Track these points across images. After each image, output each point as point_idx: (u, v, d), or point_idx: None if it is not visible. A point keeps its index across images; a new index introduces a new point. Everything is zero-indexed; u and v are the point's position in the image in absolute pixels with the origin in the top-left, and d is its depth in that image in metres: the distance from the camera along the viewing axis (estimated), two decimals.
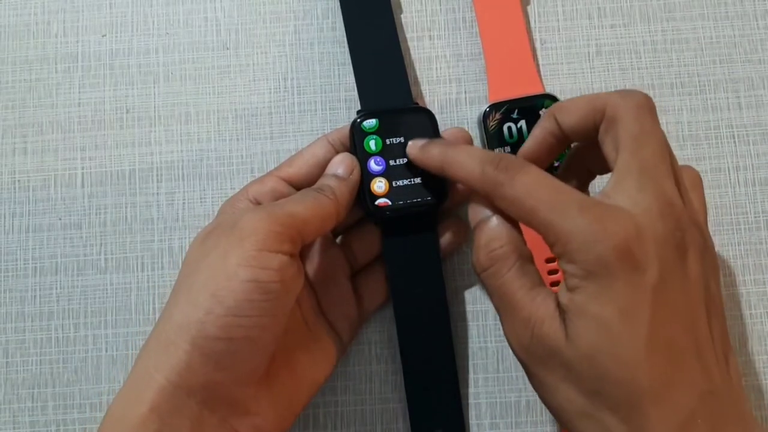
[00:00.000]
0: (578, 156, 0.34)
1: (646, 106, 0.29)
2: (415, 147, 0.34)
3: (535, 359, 0.29)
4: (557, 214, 0.27)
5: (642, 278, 0.26)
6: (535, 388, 0.30)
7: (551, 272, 0.37)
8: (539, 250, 0.37)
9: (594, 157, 0.31)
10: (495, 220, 0.31)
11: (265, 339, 0.30)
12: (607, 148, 0.29)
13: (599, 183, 0.37)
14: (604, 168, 0.31)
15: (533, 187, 0.28)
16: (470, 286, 0.39)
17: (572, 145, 0.33)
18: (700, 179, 0.32)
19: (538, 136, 0.32)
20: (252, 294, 0.29)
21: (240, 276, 0.29)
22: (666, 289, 0.27)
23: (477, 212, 0.31)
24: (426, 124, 0.36)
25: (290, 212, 0.31)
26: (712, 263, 0.29)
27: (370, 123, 0.35)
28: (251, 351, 0.30)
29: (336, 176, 0.34)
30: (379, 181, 0.35)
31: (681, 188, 0.29)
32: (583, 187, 0.34)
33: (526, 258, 0.30)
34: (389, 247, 0.36)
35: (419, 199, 0.35)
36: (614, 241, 0.26)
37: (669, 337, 0.27)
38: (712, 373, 0.27)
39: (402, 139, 0.35)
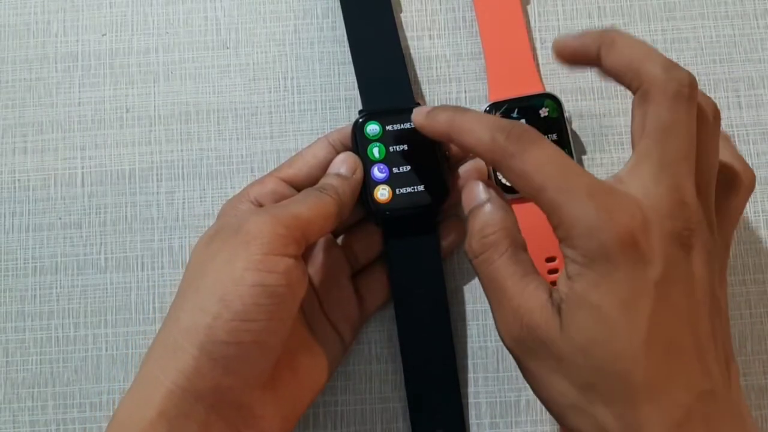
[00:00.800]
0: None
1: (685, 96, 0.27)
2: (420, 114, 0.32)
3: (526, 350, 0.28)
4: (565, 196, 0.26)
5: (645, 271, 0.26)
6: (526, 380, 0.29)
7: (551, 272, 0.37)
8: (541, 249, 0.37)
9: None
10: (489, 206, 0.30)
11: (272, 342, 0.30)
12: (635, 123, 0.28)
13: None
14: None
15: (544, 163, 0.27)
16: (470, 286, 0.39)
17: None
18: (749, 185, 0.31)
19: (578, 45, 0.30)
20: (259, 298, 0.29)
21: (247, 280, 0.29)
22: (669, 285, 0.26)
23: (471, 198, 0.31)
24: None
25: (294, 214, 0.31)
26: (719, 268, 0.28)
27: (374, 130, 0.35)
28: (259, 355, 0.30)
29: (338, 175, 0.34)
30: (383, 189, 0.35)
31: (708, 184, 0.28)
32: None
33: (519, 245, 0.29)
34: (390, 248, 0.36)
35: (420, 200, 0.35)
36: (619, 231, 0.25)
37: (669, 334, 0.26)
38: (712, 373, 0.26)
39: (405, 147, 0.35)
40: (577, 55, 0.30)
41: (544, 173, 0.27)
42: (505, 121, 0.29)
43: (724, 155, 0.32)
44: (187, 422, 0.28)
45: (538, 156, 0.27)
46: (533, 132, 0.28)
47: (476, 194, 0.31)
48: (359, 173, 0.35)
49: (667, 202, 0.26)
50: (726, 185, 0.31)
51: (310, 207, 0.32)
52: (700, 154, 0.28)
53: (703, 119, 0.29)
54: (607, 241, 0.26)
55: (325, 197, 0.32)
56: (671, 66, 0.28)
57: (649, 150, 0.27)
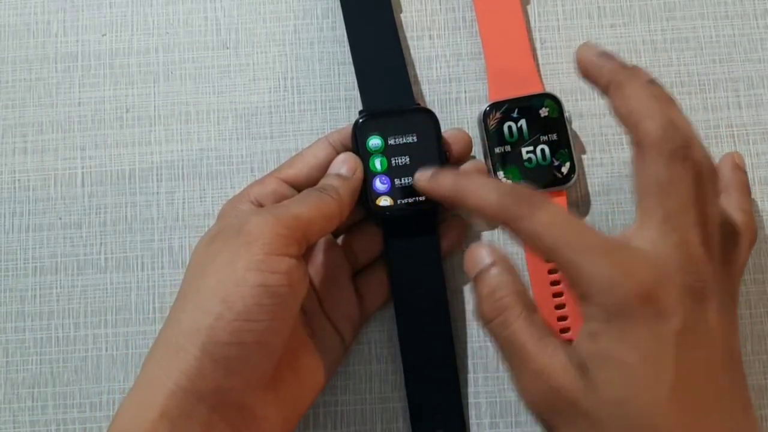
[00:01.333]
0: None
1: (681, 156, 0.28)
2: (423, 178, 0.34)
3: (552, 412, 0.28)
4: (580, 256, 0.27)
5: (666, 325, 0.26)
6: None
7: (554, 283, 0.37)
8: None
9: None
10: (496, 269, 0.30)
11: (274, 343, 0.30)
12: (635, 180, 0.29)
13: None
14: None
15: (555, 224, 0.28)
16: (471, 286, 0.39)
17: None
18: (750, 239, 0.32)
19: (593, 70, 0.30)
20: (261, 298, 0.29)
21: (249, 281, 0.29)
22: (689, 337, 0.26)
23: (475, 262, 0.30)
24: (429, 126, 0.36)
25: (295, 214, 0.31)
26: (731, 317, 0.29)
27: (376, 144, 0.35)
28: (261, 355, 0.30)
29: (339, 176, 0.34)
30: (384, 200, 0.35)
31: (710, 236, 0.28)
32: None
33: (531, 307, 0.30)
34: (390, 247, 0.36)
35: (421, 200, 0.35)
36: (637, 286, 0.26)
37: (691, 385, 0.26)
38: (733, 421, 0.27)
39: (407, 160, 0.35)
40: (589, 78, 0.31)
41: (555, 234, 0.28)
42: (508, 184, 0.30)
43: (728, 207, 0.33)
44: (189, 423, 0.28)
45: (547, 217, 0.28)
46: (538, 194, 0.29)
47: (480, 258, 0.30)
48: (359, 173, 0.35)
49: (677, 256, 0.27)
50: (728, 238, 0.32)
51: (310, 207, 0.32)
52: (699, 208, 0.29)
53: (698, 176, 0.29)
54: (625, 297, 0.26)
55: (325, 197, 0.33)
56: (669, 125, 0.28)
57: (652, 208, 0.28)
